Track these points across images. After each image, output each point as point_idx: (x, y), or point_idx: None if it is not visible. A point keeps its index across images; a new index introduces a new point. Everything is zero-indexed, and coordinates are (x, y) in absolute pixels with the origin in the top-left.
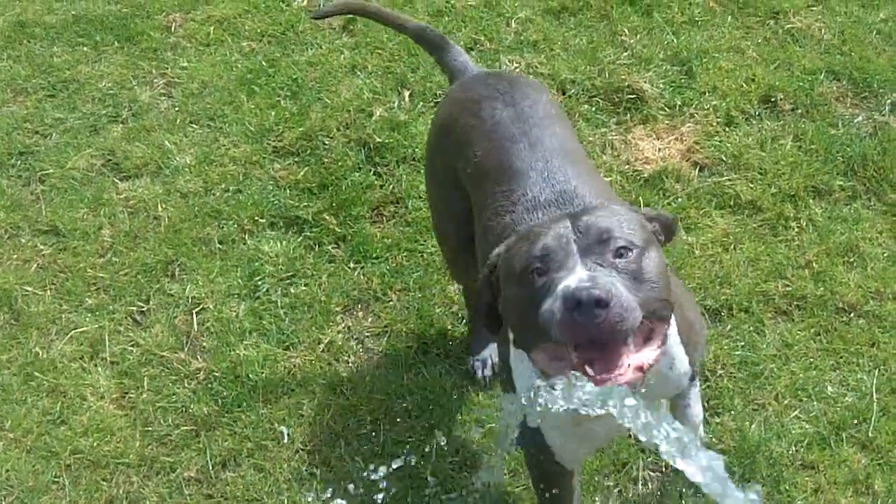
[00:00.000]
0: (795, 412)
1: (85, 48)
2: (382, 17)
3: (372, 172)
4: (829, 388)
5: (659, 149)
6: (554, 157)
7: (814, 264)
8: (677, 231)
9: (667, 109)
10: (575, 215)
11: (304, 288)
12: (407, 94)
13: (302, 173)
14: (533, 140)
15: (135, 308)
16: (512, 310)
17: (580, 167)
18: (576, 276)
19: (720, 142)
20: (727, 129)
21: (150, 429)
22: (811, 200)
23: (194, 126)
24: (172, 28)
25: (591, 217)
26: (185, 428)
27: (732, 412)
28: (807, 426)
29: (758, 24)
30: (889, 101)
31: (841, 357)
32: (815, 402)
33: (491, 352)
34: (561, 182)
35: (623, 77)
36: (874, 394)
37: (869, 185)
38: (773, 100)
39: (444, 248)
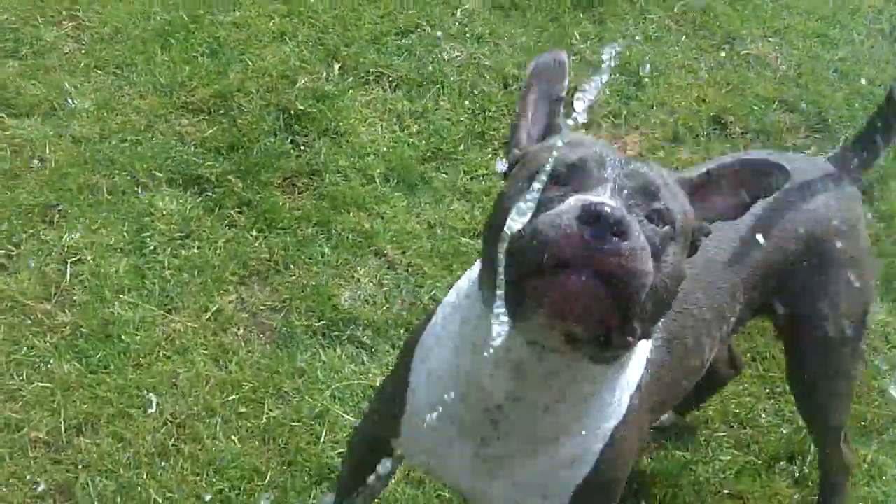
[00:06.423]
0: (725, 437)
1: None
2: None
3: (289, 140)
4: (763, 417)
5: None
6: None
7: None
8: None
9: (611, 118)
10: (626, 159)
11: (196, 251)
12: (337, 66)
13: (210, 131)
14: None
15: (2, 251)
16: (502, 202)
17: None
18: (599, 197)
19: (664, 156)
20: (672, 144)
21: None
22: None
23: (99, 72)
24: None
25: (643, 167)
26: (40, 385)
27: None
28: (737, 453)
29: (712, 48)
30: (843, 136)
31: (778, 386)
32: (747, 430)
33: None
34: None
35: (570, 78)
36: None
37: None
38: (723, 121)
39: None
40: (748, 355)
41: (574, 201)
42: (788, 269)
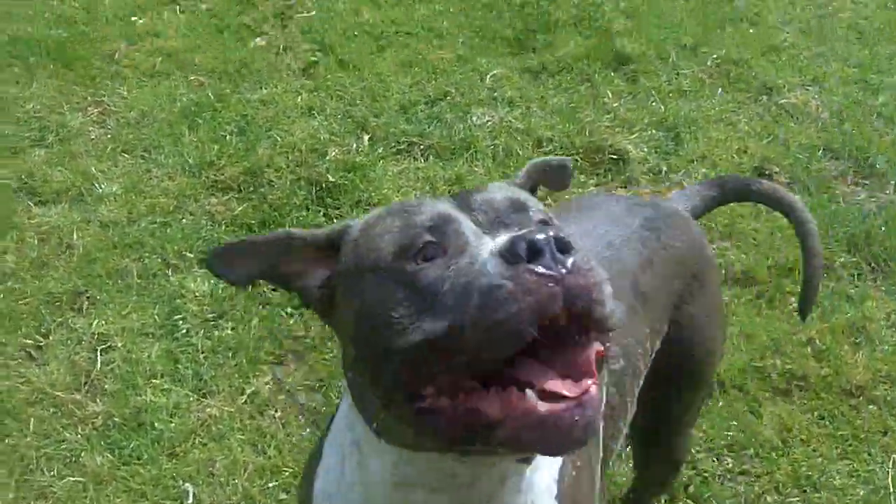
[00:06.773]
0: (798, 501)
1: (16, 69)
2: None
3: (321, 214)
4: (837, 478)
5: None
6: None
7: (816, 342)
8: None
9: (651, 174)
10: (458, 195)
11: (230, 332)
12: (366, 137)
13: (241, 209)
14: None
15: (31, 342)
16: (370, 320)
17: None
18: (503, 238)
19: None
20: None
21: (28, 478)
22: None
23: (126, 155)
24: (116, 57)
25: (486, 193)
26: (71, 479)
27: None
28: None
29: (749, 99)
30: (895, 181)
31: (849, 445)
32: (821, 494)
33: None
34: None
35: (605, 137)
36: (890, 487)
37: (875, 265)
38: (766, 172)
39: None
40: (815, 413)
41: (489, 250)
42: (678, 299)
